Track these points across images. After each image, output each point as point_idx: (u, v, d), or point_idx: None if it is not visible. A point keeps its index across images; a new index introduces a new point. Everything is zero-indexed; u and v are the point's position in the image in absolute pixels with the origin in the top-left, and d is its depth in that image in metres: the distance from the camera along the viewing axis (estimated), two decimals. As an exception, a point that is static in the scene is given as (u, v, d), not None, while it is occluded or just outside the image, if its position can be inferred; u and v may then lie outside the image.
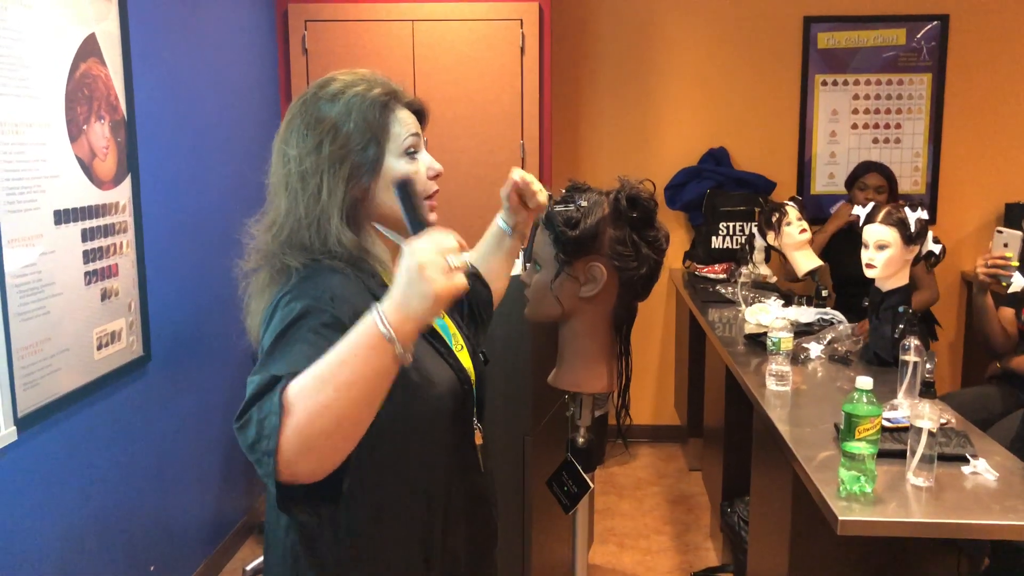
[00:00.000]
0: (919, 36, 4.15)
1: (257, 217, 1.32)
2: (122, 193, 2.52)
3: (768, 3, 4.20)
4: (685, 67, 4.28)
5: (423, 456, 1.25)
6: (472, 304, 1.53)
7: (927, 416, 1.73)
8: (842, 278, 3.87)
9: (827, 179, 4.22)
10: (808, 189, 4.27)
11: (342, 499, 1.07)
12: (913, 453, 1.75)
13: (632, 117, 4.32)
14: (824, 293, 3.40)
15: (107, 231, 2.44)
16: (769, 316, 3.16)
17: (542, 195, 1.40)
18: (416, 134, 1.28)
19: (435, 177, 1.29)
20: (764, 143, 4.27)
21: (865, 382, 1.72)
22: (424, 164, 1.28)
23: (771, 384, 2.41)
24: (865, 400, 1.71)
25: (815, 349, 2.73)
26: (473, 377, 1.34)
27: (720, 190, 4.10)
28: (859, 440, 1.70)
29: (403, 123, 1.27)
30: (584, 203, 1.33)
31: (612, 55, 4.30)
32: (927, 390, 1.74)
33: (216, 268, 3.16)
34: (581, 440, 1.45)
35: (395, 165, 1.25)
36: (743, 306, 3.35)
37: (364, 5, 3.81)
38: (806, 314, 3.12)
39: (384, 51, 3.81)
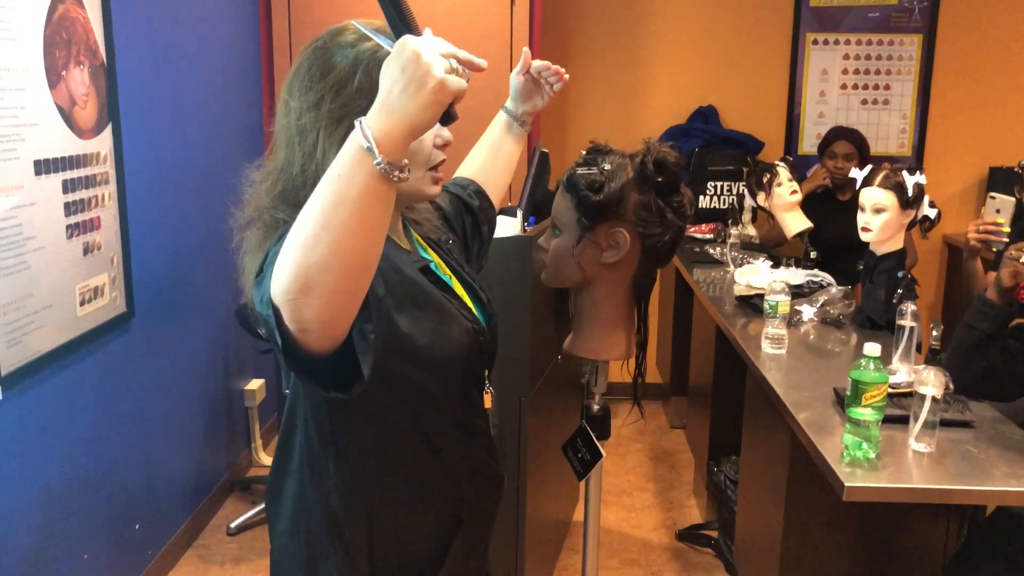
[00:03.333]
0: (912, -4, 4.11)
1: (259, 163, 1.24)
2: (103, 143, 2.42)
3: (761, -42, 4.13)
4: (675, 22, 4.20)
5: (431, 398, 1.19)
6: (477, 218, 1.46)
7: (932, 383, 1.73)
8: (817, 243, 3.86)
9: (815, 139, 4.19)
10: (796, 149, 4.25)
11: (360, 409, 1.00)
12: (916, 419, 1.76)
13: (621, 73, 4.25)
14: (813, 255, 3.40)
15: (88, 182, 2.35)
16: (759, 277, 3.15)
17: (565, 75, 1.29)
18: None
19: (443, 146, 1.21)
20: (753, 102, 4.24)
21: (873, 348, 1.72)
22: (431, 131, 1.20)
23: (766, 347, 2.41)
24: (872, 367, 1.70)
25: (807, 312, 2.73)
26: (486, 329, 1.28)
27: (708, 149, 4.07)
28: (865, 407, 1.70)
29: None
30: (608, 166, 1.28)
31: (602, 10, 4.21)
32: (932, 356, 1.74)
33: (198, 221, 3.08)
34: (596, 407, 1.43)
35: None
36: (731, 267, 3.34)
37: (349, -52, 3.68)
38: (796, 276, 3.11)
39: (369, 12, 3.69)
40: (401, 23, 0.93)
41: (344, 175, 0.87)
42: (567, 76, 1.39)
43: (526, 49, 1.42)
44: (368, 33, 1.11)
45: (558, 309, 2.65)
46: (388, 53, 1.13)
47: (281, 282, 0.90)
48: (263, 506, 3.14)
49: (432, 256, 1.32)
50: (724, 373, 3.05)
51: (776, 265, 3.30)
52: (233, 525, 3.12)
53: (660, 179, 1.28)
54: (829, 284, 3.08)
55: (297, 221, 0.90)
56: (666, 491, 3.52)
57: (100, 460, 2.45)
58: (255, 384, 3.60)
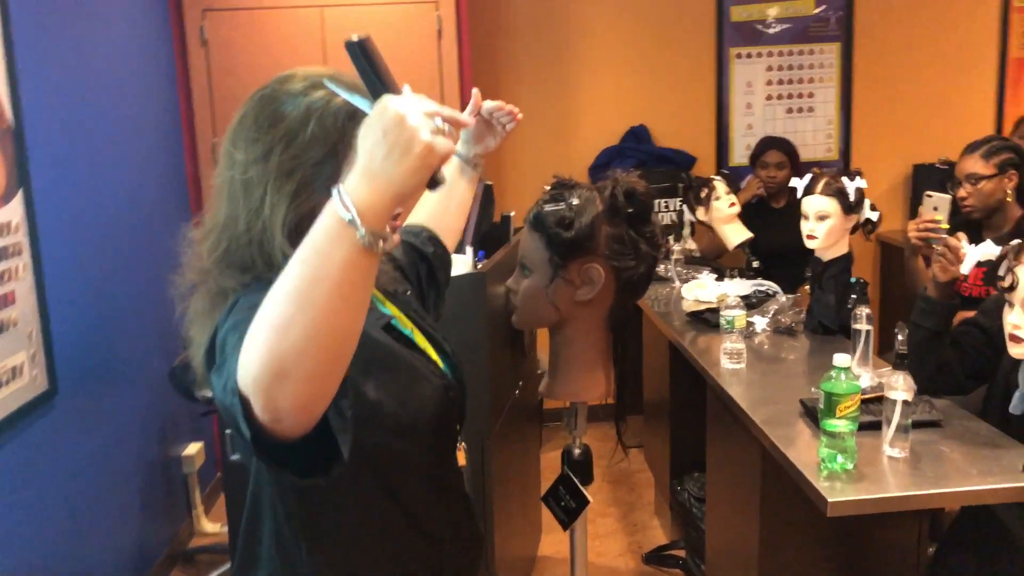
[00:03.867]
0: (828, 6, 4.21)
1: (197, 219, 1.15)
2: (14, 211, 2.26)
3: (679, -22, 4.18)
4: (602, 46, 4.22)
5: (404, 461, 1.12)
6: (432, 266, 1.40)
7: (901, 387, 1.71)
8: (756, 252, 3.89)
9: (745, 151, 4.24)
10: (727, 162, 4.29)
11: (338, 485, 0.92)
12: (889, 424, 1.74)
13: (552, 100, 4.24)
14: (755, 264, 3.42)
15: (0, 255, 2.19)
16: (707, 291, 3.14)
17: (518, 114, 1.25)
18: None
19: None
20: (683, 118, 4.27)
21: (842, 359, 1.69)
22: None
23: (726, 362, 2.38)
24: (844, 377, 1.68)
25: (760, 322, 2.72)
26: (455, 383, 1.23)
27: (643, 168, 4.07)
28: (840, 418, 1.67)
29: None
30: (576, 200, 1.23)
31: (529, 38, 4.20)
32: (900, 361, 1.72)
33: (123, 284, 2.93)
34: (577, 452, 1.36)
35: None
36: (677, 282, 3.33)
37: (267, -9, 3.59)
38: (742, 287, 3.11)
39: (292, 40, 3.60)
40: (378, 81, 0.86)
41: (322, 250, 0.79)
42: (520, 115, 1.32)
43: (476, 91, 1.35)
44: (340, 92, 1.01)
45: (513, 341, 2.58)
46: (343, 101, 1.07)
47: (251, 370, 0.80)
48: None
49: (392, 310, 1.25)
50: (680, 390, 3.01)
51: (720, 277, 3.30)
52: (182, 599, 2.95)
53: (631, 210, 1.23)
54: (776, 292, 3.09)
55: (266, 301, 0.81)
56: (628, 513, 3.47)
57: (31, 554, 2.26)
58: (193, 448, 3.43)
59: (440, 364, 1.22)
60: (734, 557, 2.33)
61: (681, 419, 3.02)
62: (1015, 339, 1.66)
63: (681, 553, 3.04)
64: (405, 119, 0.78)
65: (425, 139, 0.78)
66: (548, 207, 1.24)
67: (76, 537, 2.52)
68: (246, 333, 0.84)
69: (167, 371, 2.96)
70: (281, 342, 0.78)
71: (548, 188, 1.31)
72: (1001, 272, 1.67)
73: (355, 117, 1.08)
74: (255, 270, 1.07)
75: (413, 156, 0.78)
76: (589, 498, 1.35)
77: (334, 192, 0.79)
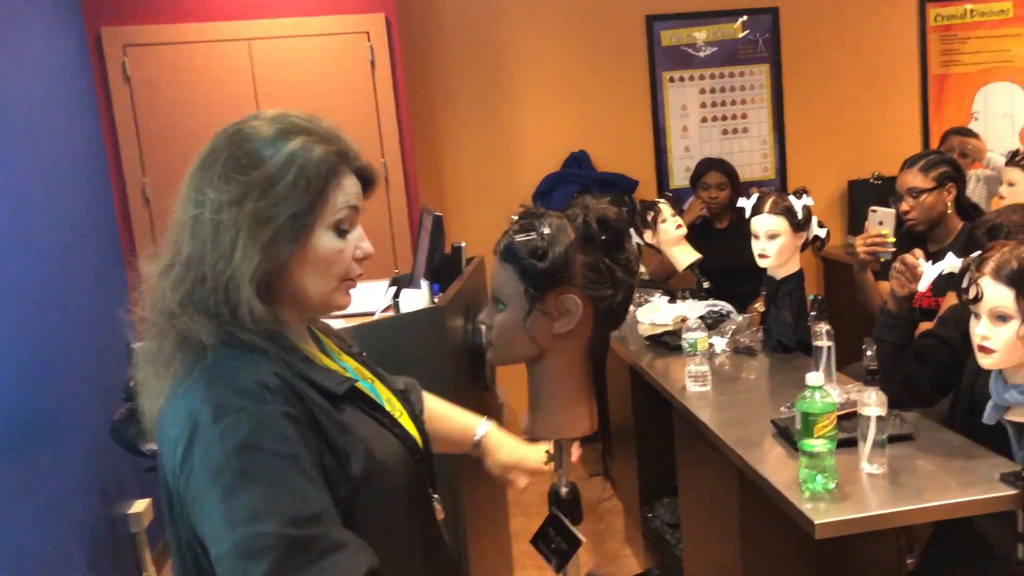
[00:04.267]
0: (754, 28, 4.31)
1: (151, 251, 1.08)
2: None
3: (611, 4, 4.23)
4: (538, 73, 4.23)
5: (384, 543, 1.07)
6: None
7: (874, 403, 1.72)
8: (702, 273, 3.92)
9: (684, 173, 4.29)
10: (668, 184, 4.34)
11: None
12: (865, 440, 1.74)
13: (491, 128, 4.23)
14: (706, 285, 3.44)
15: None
16: (662, 314, 3.14)
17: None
18: (355, 207, 1.09)
19: (363, 259, 1.10)
20: (621, 143, 4.30)
21: (815, 378, 1.69)
22: (352, 242, 1.09)
23: (691, 386, 2.37)
24: (818, 396, 1.67)
25: (719, 343, 2.72)
26: (420, 444, 1.20)
27: (586, 193, 4.07)
28: (818, 438, 1.66)
29: (345, 191, 1.08)
30: (547, 230, 1.18)
31: (464, 67, 4.19)
32: (871, 377, 1.73)
33: (51, 336, 2.77)
34: (565, 491, 1.31)
35: (322, 239, 1.06)
36: (631, 307, 3.32)
37: (191, 26, 3.49)
38: (696, 308, 3.13)
39: (221, 74, 3.51)
40: None
41: None
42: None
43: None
44: None
45: (475, 376, 2.52)
46: (324, 154, 1.05)
47: None
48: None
49: (351, 364, 1.20)
50: (644, 415, 3.00)
51: (673, 299, 3.31)
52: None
53: (605, 237, 1.20)
54: (730, 312, 3.11)
55: None
56: (599, 544, 3.42)
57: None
58: (140, 506, 3.25)
59: (408, 424, 1.18)
60: (712, 583, 2.31)
61: (647, 445, 3.00)
62: (984, 350, 1.69)
63: (654, 580, 3.00)
64: None
65: None
66: (519, 237, 1.20)
67: (16, 612, 2.35)
68: (243, 499, 0.86)
69: (108, 426, 2.81)
70: None
71: (516, 218, 1.26)
72: (964, 284, 1.69)
73: (335, 171, 1.06)
74: (221, 319, 1.01)
75: None
76: (581, 538, 1.30)
77: None
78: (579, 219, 1.20)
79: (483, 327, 1.27)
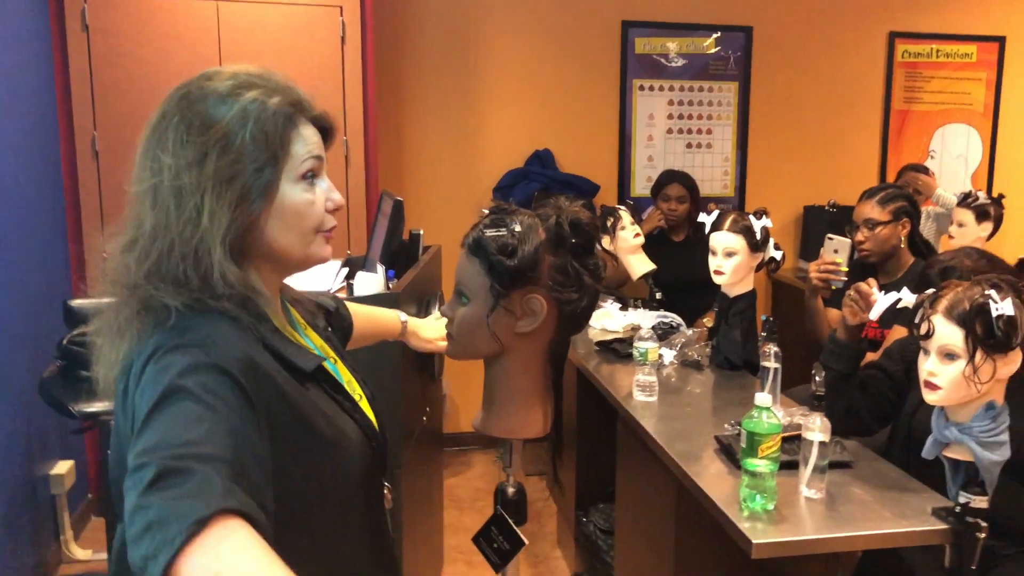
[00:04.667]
0: (727, 45, 4.35)
1: (112, 230, 1.05)
2: None
3: (589, 5, 4.22)
4: (509, 64, 4.20)
5: (335, 528, 1.06)
6: (338, 332, 1.41)
7: (818, 428, 1.74)
8: (655, 284, 3.95)
9: (645, 183, 4.31)
10: (628, 192, 4.35)
11: None
12: (806, 464, 1.76)
13: (457, 116, 4.19)
14: (658, 296, 3.46)
15: None
16: (613, 321, 3.16)
17: None
18: (319, 157, 1.07)
19: (334, 210, 1.09)
20: (586, 146, 4.30)
21: (764, 399, 1.70)
22: (322, 193, 1.07)
23: (638, 395, 2.37)
24: (765, 417, 1.69)
25: (668, 355, 2.74)
26: (377, 430, 1.18)
27: (547, 192, 4.07)
28: (761, 458, 1.67)
29: (306, 141, 1.05)
30: (518, 227, 1.16)
31: (436, 51, 4.14)
32: (818, 403, 1.75)
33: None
34: (512, 491, 1.29)
35: (290, 192, 1.03)
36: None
37: (160, -20, 3.38)
38: (646, 317, 3.15)
39: (184, 32, 3.40)
40: None
41: None
42: None
43: None
44: None
45: (423, 366, 2.49)
46: (280, 104, 1.02)
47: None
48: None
49: (316, 342, 1.18)
50: (587, 419, 3.00)
51: (624, 307, 3.33)
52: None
53: (575, 240, 1.18)
54: (679, 325, 3.14)
55: None
56: (530, 545, 3.39)
57: None
58: (63, 467, 3.15)
59: (367, 410, 1.16)
60: (640, 592, 2.32)
61: (587, 449, 3.00)
62: (930, 386, 1.72)
63: (584, 585, 3.01)
64: None
65: None
66: (489, 232, 1.17)
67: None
68: (162, 421, 0.84)
69: (36, 384, 2.71)
70: None
71: (486, 212, 1.24)
72: (917, 320, 1.72)
73: (292, 121, 1.03)
74: (189, 287, 0.98)
75: None
76: (525, 540, 1.28)
77: None
78: (551, 220, 1.18)
79: (444, 319, 1.25)
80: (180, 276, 0.97)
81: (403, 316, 1.72)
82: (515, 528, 1.27)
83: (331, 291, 2.35)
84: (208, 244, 0.97)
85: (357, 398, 1.15)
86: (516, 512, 1.28)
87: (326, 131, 1.11)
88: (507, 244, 1.16)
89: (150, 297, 0.97)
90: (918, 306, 1.75)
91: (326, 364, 1.09)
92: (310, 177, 1.05)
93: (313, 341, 1.18)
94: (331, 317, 1.43)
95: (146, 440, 0.83)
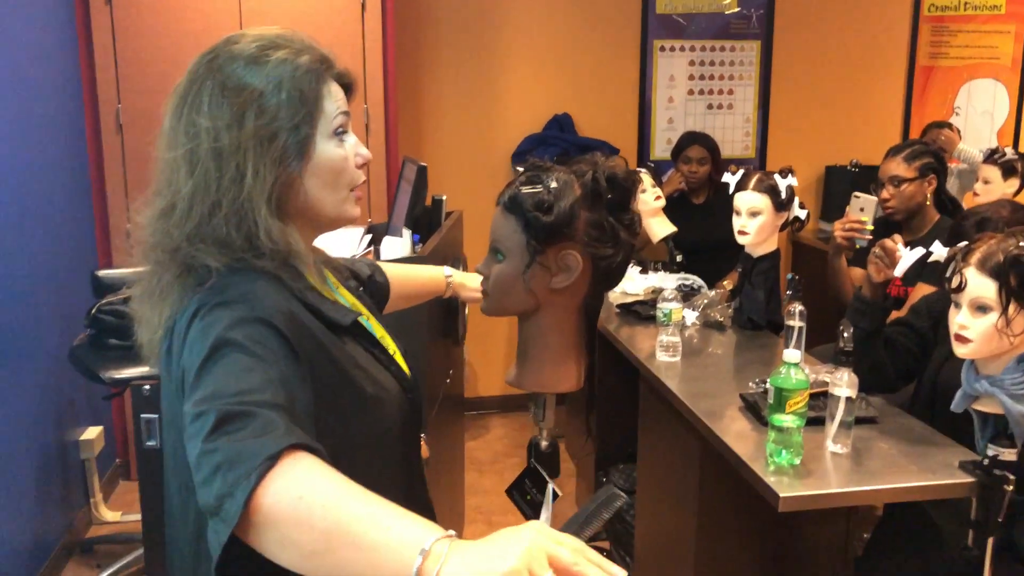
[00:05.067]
0: (748, 3, 4.28)
1: (145, 199, 1.06)
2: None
3: (607, -34, 4.17)
4: (528, 31, 4.16)
5: (374, 479, 1.08)
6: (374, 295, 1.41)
7: (845, 384, 1.74)
8: (676, 247, 3.93)
9: (665, 145, 4.28)
10: (648, 155, 4.32)
11: None
12: (832, 420, 1.76)
13: (476, 82, 4.16)
14: (679, 258, 3.45)
15: None
16: (633, 284, 3.15)
17: None
18: (346, 112, 1.09)
19: (363, 165, 1.10)
20: (606, 109, 4.27)
21: (793, 355, 1.70)
22: (351, 148, 1.09)
23: (661, 355, 2.38)
24: (793, 373, 1.69)
25: (690, 316, 2.74)
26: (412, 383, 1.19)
27: (566, 157, 4.02)
28: (788, 414, 1.68)
29: (335, 98, 1.07)
30: (554, 184, 1.17)
31: (455, 19, 4.11)
32: (846, 359, 1.75)
33: (18, 258, 2.70)
34: (545, 444, 1.31)
35: (325, 148, 1.05)
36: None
37: (178, -50, 3.36)
38: (667, 280, 3.14)
39: (206, 6, 3.39)
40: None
41: (374, 570, 0.75)
42: None
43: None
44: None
45: (447, 329, 2.51)
46: (309, 62, 1.04)
47: (257, 500, 0.78)
48: (111, 571, 2.80)
49: (349, 299, 1.19)
50: (607, 380, 3.01)
51: (644, 270, 3.32)
52: (79, 595, 2.76)
53: (611, 196, 1.18)
54: (700, 287, 3.13)
55: (303, 501, 0.77)
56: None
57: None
58: (92, 432, 3.21)
59: (402, 363, 1.18)
60: (667, 549, 2.34)
61: (607, 410, 3.02)
62: (960, 339, 1.71)
63: (605, 545, 3.04)
64: (526, 551, 0.74)
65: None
66: (525, 189, 1.19)
67: (-37, 532, 2.31)
68: (215, 372, 0.86)
69: (67, 351, 2.75)
70: (287, 534, 0.78)
71: (522, 169, 1.25)
72: (949, 273, 1.71)
73: (321, 77, 1.05)
74: (232, 248, 1.00)
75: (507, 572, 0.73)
76: (558, 491, 1.30)
77: (428, 536, 0.75)
78: (587, 175, 1.19)
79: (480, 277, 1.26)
80: (223, 237, 0.99)
81: (447, 271, 1.67)
82: (548, 480, 1.29)
83: (356, 256, 2.36)
84: (253, 203, 0.99)
85: (392, 352, 1.16)
86: (549, 465, 1.30)
87: (348, 88, 1.12)
88: (543, 200, 1.17)
89: (192, 259, 0.99)
90: (949, 260, 1.74)
91: (360, 319, 1.11)
92: (341, 133, 1.07)
93: (346, 299, 1.19)
94: (365, 282, 1.44)
95: (202, 391, 0.86)
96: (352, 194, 1.10)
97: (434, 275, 1.66)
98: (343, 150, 1.07)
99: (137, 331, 1.07)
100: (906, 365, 2.06)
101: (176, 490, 1.03)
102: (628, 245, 1.21)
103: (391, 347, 1.19)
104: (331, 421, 0.99)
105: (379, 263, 1.53)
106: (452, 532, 0.77)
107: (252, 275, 0.99)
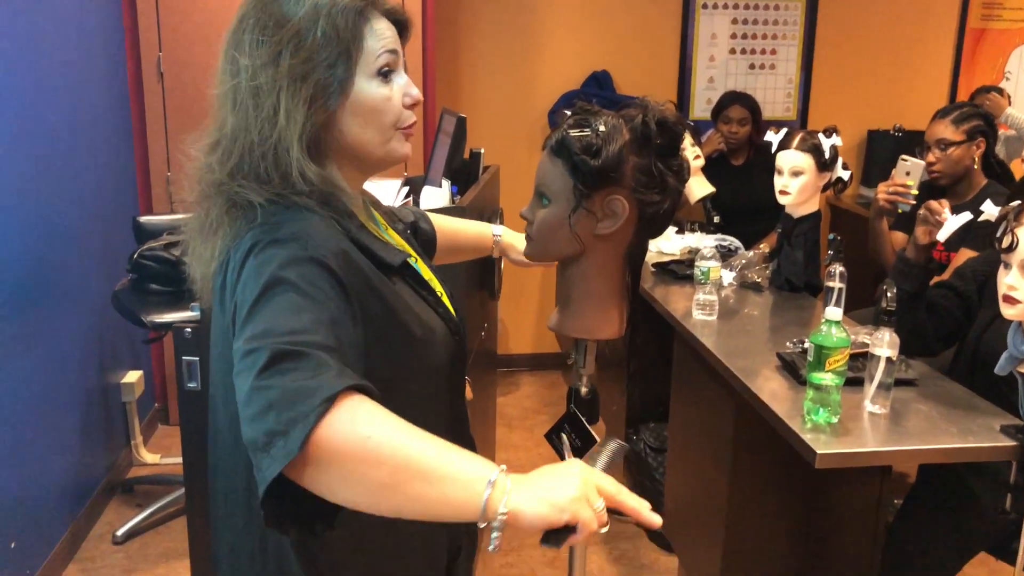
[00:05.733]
0: (796, -38, 4.19)
1: (198, 134, 1.07)
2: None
3: (650, -80, 4.08)
4: (568, -15, 4.11)
5: (422, 416, 1.09)
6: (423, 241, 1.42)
7: (886, 344, 1.73)
8: (714, 208, 3.89)
9: (705, 105, 4.22)
10: (687, 115, 4.27)
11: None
12: (872, 380, 1.75)
13: (515, 38, 4.12)
14: (716, 219, 3.42)
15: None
16: (669, 244, 3.14)
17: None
18: (394, 51, 1.06)
19: (413, 106, 1.09)
20: (646, 66, 4.21)
21: (834, 313, 1.69)
22: (399, 89, 1.07)
23: (697, 314, 2.37)
24: (834, 331, 1.68)
25: (727, 276, 2.72)
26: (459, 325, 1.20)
27: (604, 114, 4.00)
28: (827, 371, 1.67)
29: (380, 36, 1.05)
30: (603, 128, 1.15)
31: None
32: (888, 319, 1.73)
33: (64, 203, 2.75)
34: (585, 390, 1.32)
35: (365, 87, 1.04)
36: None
37: None
38: (704, 241, 3.12)
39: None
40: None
41: (440, 494, 0.82)
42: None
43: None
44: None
45: (483, 282, 2.52)
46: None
47: (318, 441, 0.80)
48: (151, 510, 2.88)
49: (397, 240, 1.19)
50: (640, 339, 3.01)
51: (681, 231, 3.30)
52: (119, 533, 2.83)
53: (660, 141, 1.17)
54: (737, 248, 3.11)
55: (372, 440, 0.81)
56: (580, 462, 3.48)
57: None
58: (133, 376, 3.28)
59: (448, 305, 1.18)
60: (697, 507, 2.36)
61: (639, 368, 3.02)
62: (1009, 300, 1.69)
63: (632, 501, 3.07)
64: (581, 485, 0.85)
65: (579, 505, 0.83)
66: (573, 132, 1.17)
67: (15, 460, 2.39)
68: (267, 310, 0.88)
69: (109, 295, 2.80)
70: (352, 472, 0.81)
71: (570, 113, 1.24)
72: (999, 233, 1.68)
73: (363, 15, 1.03)
74: (271, 184, 1.00)
75: (559, 509, 0.83)
76: (597, 437, 1.31)
77: (494, 472, 0.83)
78: (637, 119, 1.17)
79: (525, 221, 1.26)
80: (262, 174, 1.00)
81: (496, 229, 1.60)
82: (587, 426, 1.30)
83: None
84: (286, 142, 0.99)
85: (439, 294, 1.17)
86: (589, 410, 1.31)
87: (401, 25, 1.10)
88: (591, 144, 1.16)
89: (235, 194, 1.00)
90: (1000, 219, 1.70)
91: (408, 260, 1.12)
92: (386, 72, 1.05)
93: (395, 240, 1.20)
94: (410, 227, 1.43)
95: (253, 328, 0.87)
96: (399, 132, 1.08)
97: (482, 231, 1.63)
98: (387, 89, 1.05)
99: (190, 266, 1.09)
100: (947, 329, 2.03)
101: (226, 424, 1.05)
102: (676, 192, 1.20)
103: (438, 289, 1.19)
104: (380, 358, 1.01)
105: (426, 212, 1.52)
106: (504, 467, 0.82)
107: (305, 212, 1.00)
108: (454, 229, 1.56)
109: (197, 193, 1.04)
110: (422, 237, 1.45)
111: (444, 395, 1.14)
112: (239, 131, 1.01)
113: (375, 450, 0.79)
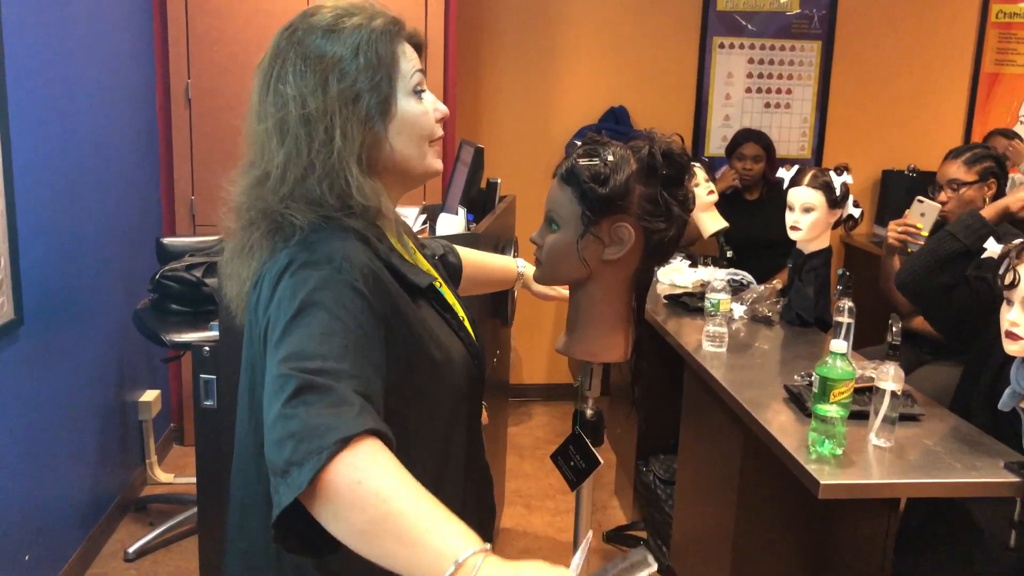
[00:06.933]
0: (811, 4, 4.25)
1: (239, 170, 1.12)
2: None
3: (669, -39, 4.17)
4: (588, 22, 4.19)
5: (440, 437, 1.13)
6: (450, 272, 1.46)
7: (891, 378, 1.75)
8: (727, 243, 3.92)
9: (720, 142, 4.28)
10: (703, 151, 4.32)
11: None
12: (876, 414, 1.77)
13: (535, 72, 4.20)
14: (729, 254, 3.45)
15: (-26, 174, 2.08)
16: (682, 276, 3.17)
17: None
18: (422, 70, 1.14)
19: (441, 120, 1.15)
20: (662, 103, 4.28)
21: (839, 345, 1.72)
22: (430, 104, 1.14)
23: (707, 345, 2.40)
24: (839, 363, 1.70)
25: (738, 310, 2.75)
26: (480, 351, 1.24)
27: (621, 149, 4.06)
28: (832, 403, 1.69)
29: (409, 57, 1.12)
30: (611, 157, 1.21)
31: (516, 9, 4.15)
32: (893, 353, 1.75)
33: (90, 222, 2.82)
34: (590, 412, 1.35)
35: (405, 105, 1.10)
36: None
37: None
38: (716, 275, 3.14)
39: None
40: None
41: (410, 566, 0.82)
42: None
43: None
44: None
45: (496, 310, 2.56)
46: (382, 25, 1.09)
47: (328, 475, 0.84)
48: (163, 528, 2.91)
49: (424, 265, 1.24)
50: (653, 373, 3.03)
51: (694, 264, 3.33)
52: (131, 550, 2.87)
53: (666, 172, 1.22)
54: (750, 283, 3.13)
55: (368, 490, 0.83)
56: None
57: (-12, 485, 2.18)
58: (150, 395, 3.33)
59: (470, 330, 1.22)
60: (705, 539, 2.36)
61: (649, 400, 3.04)
62: (1012, 336, 1.71)
63: (642, 534, 3.07)
64: None
65: None
66: (583, 161, 1.23)
67: (34, 473, 2.44)
68: (300, 332, 0.92)
69: (130, 315, 2.87)
70: (347, 512, 0.84)
71: (580, 144, 1.29)
72: (1002, 271, 1.71)
73: (394, 39, 1.10)
74: (325, 207, 1.05)
75: None
76: (600, 459, 1.34)
77: (466, 550, 0.79)
78: (643, 150, 1.22)
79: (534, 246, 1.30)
80: (316, 198, 1.04)
81: (521, 264, 1.69)
82: (591, 448, 1.33)
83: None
84: (344, 163, 1.04)
85: (462, 318, 1.21)
86: (593, 433, 1.34)
87: (418, 47, 1.17)
88: (599, 173, 1.20)
89: (282, 217, 1.04)
90: (1003, 256, 1.73)
91: (434, 284, 1.16)
92: (419, 91, 1.12)
93: (422, 264, 1.24)
94: (440, 258, 1.48)
95: (286, 349, 0.92)
96: (432, 148, 1.14)
97: (507, 264, 1.69)
98: (423, 105, 1.12)
99: (225, 287, 1.13)
100: (970, 311, 2.03)
101: (250, 430, 1.09)
102: (681, 220, 1.24)
103: (461, 314, 1.23)
104: (402, 379, 1.04)
105: (454, 246, 1.57)
106: (488, 546, 0.81)
107: (340, 233, 1.04)
108: (480, 261, 1.63)
109: (244, 220, 1.08)
110: (450, 268, 1.50)
111: (462, 418, 1.17)
112: (291, 160, 1.04)
113: (361, 497, 0.82)
